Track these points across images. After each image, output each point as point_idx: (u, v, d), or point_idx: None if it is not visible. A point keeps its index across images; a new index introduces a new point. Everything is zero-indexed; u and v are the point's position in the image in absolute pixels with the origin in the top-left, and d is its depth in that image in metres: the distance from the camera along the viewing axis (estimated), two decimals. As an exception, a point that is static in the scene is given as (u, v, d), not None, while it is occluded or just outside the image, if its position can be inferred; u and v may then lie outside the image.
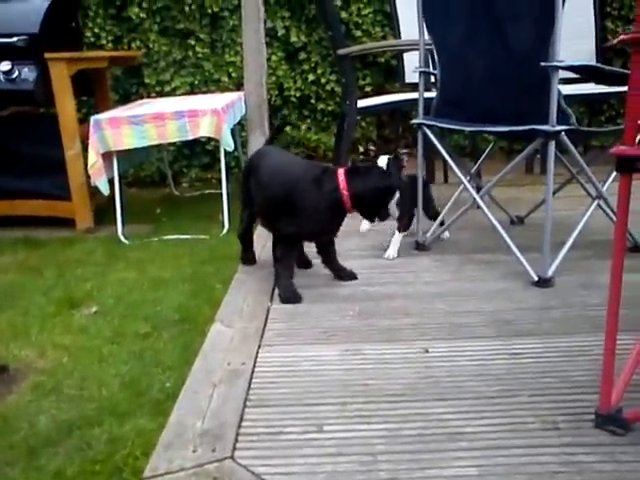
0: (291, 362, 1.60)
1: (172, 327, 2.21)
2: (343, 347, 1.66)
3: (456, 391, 1.44)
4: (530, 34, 2.05)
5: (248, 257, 2.42)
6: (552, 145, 2.00)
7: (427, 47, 2.52)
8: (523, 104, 2.11)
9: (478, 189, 2.60)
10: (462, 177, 2.45)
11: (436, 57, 2.51)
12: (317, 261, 2.28)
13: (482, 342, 1.69)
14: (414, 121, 2.52)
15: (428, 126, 2.46)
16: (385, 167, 2.09)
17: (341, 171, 1.97)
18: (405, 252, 2.48)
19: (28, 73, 3.25)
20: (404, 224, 2.46)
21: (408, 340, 1.70)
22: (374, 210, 2.09)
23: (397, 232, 2.46)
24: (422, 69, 2.53)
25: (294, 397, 1.43)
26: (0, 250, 3.17)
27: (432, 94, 2.61)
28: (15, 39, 3.22)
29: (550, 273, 2.09)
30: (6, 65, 3.20)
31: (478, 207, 2.56)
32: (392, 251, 2.44)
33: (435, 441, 1.25)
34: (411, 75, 4.10)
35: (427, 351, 1.63)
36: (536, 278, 2.10)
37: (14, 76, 3.23)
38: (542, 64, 1.94)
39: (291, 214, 1.96)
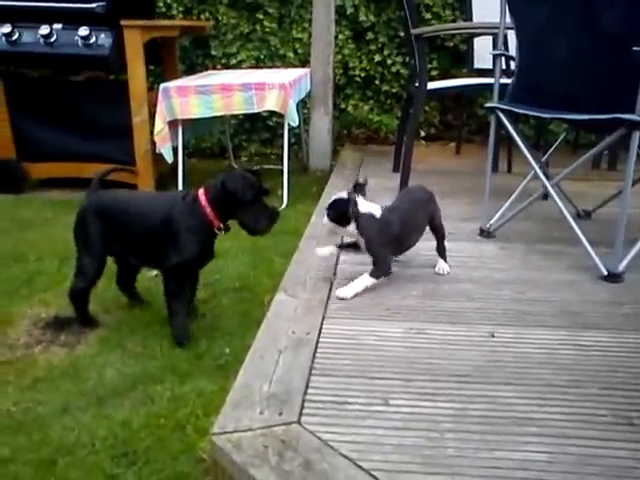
0: (355, 335, 1.60)
1: (231, 294, 2.24)
2: (407, 325, 1.65)
3: (523, 377, 1.41)
4: (622, 16, 1.95)
5: (88, 318, 1.98)
6: (637, 135, 1.91)
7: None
8: (608, 91, 2.03)
9: (546, 178, 2.52)
10: (535, 165, 2.37)
11: (515, 40, 2.43)
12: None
13: (548, 331, 1.65)
14: (488, 105, 2.46)
15: (502, 110, 2.39)
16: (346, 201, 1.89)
17: (201, 190, 1.82)
18: (470, 238, 2.44)
19: (104, 39, 3.31)
20: (377, 270, 1.91)
21: (472, 323, 1.68)
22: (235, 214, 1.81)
23: (366, 274, 1.91)
24: (500, 51, 2.46)
25: (359, 369, 1.43)
26: (68, 208, 3.22)
27: (505, 80, 2.53)
28: (94, 5, 3.28)
29: (621, 268, 2.02)
30: (84, 30, 3.27)
31: (545, 198, 2.50)
32: (347, 291, 1.86)
33: (502, 424, 1.23)
34: (480, 61, 4.01)
35: (493, 335, 1.60)
36: (605, 272, 2.03)
37: (91, 41, 3.29)
38: (634, 49, 1.85)
39: (170, 243, 1.80)
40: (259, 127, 4.55)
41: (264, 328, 1.61)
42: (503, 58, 2.59)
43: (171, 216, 1.79)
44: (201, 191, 1.81)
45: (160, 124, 3.20)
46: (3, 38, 3.32)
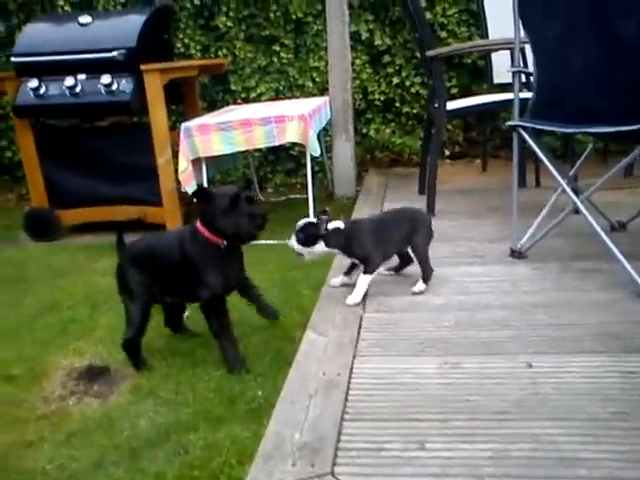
0: (388, 374, 1.56)
1: (262, 333, 2.21)
2: (441, 360, 1.61)
3: (566, 411, 1.35)
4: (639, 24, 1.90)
5: (142, 361, 1.99)
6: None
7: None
8: (631, 100, 1.97)
9: (575, 193, 2.46)
10: (561, 180, 2.32)
11: (532, 55, 2.40)
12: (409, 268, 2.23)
13: (589, 357, 1.59)
14: (509, 123, 2.41)
15: (524, 128, 2.34)
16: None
17: (199, 218, 1.90)
18: (500, 260, 2.38)
19: (125, 85, 3.38)
20: (368, 267, 2.13)
21: (509, 353, 1.62)
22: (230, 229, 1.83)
23: (362, 274, 2.13)
24: (517, 68, 2.42)
25: (393, 411, 1.39)
26: (101, 253, 3.31)
27: (525, 94, 2.49)
28: (115, 53, 3.36)
29: (662, 284, 1.94)
30: (106, 78, 3.35)
31: (577, 212, 2.43)
32: (355, 297, 2.09)
33: (547, 466, 1.17)
34: (499, 76, 3.97)
35: (530, 366, 1.54)
36: (645, 289, 1.95)
37: (113, 88, 3.37)
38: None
39: (194, 279, 1.86)
40: (283, 158, 4.58)
41: (294, 370, 1.58)
42: (522, 74, 2.56)
43: (184, 251, 1.87)
44: (199, 219, 1.88)
45: (184, 163, 3.24)
46: (31, 92, 3.43)
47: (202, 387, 1.83)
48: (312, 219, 2.17)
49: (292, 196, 4.26)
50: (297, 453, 1.23)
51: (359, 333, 1.79)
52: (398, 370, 1.57)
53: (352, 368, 1.57)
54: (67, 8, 4.46)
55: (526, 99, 2.43)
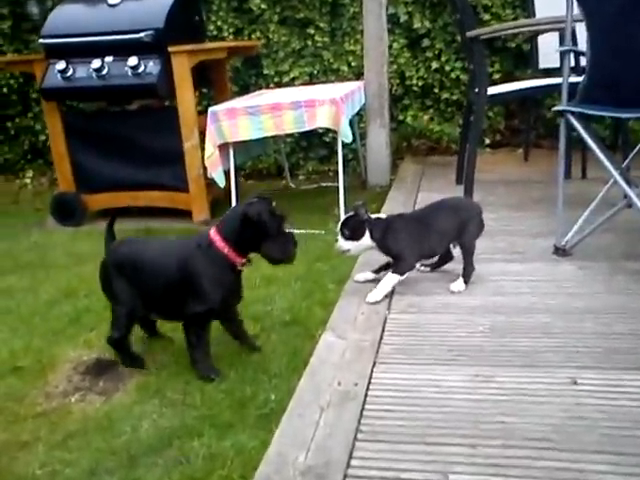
0: (411, 386, 1.39)
1: (281, 329, 2.08)
2: (472, 371, 1.43)
3: (618, 442, 1.16)
4: None
5: (136, 357, 1.88)
6: None
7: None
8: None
9: (629, 185, 2.23)
10: (613, 171, 2.09)
11: (586, 33, 2.17)
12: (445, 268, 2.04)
13: (645, 375, 1.39)
14: (557, 108, 2.20)
15: (572, 113, 2.12)
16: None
17: (213, 230, 1.71)
18: (543, 257, 2.18)
19: (152, 67, 3.27)
20: (399, 267, 1.97)
21: (551, 367, 1.43)
22: (257, 247, 1.70)
23: (390, 272, 1.98)
24: (567, 47, 2.19)
25: (413, 432, 1.23)
26: (123, 240, 3.24)
27: (575, 79, 2.27)
28: (142, 34, 3.25)
29: None
30: (133, 60, 3.25)
31: (629, 206, 2.20)
32: (376, 295, 1.94)
33: (594, 508, 1.00)
34: (545, 60, 3.72)
35: (575, 382, 1.35)
36: None
37: (140, 70, 3.26)
38: None
39: (193, 292, 1.70)
40: (315, 144, 4.41)
41: (306, 378, 1.43)
42: (572, 55, 2.33)
43: (187, 269, 1.70)
44: (213, 231, 1.70)
45: (210, 148, 3.12)
46: (58, 75, 3.35)
47: (212, 388, 1.70)
48: (351, 212, 2.03)
49: (323, 184, 4.10)
50: (299, 479, 1.08)
51: (382, 336, 1.62)
52: (422, 382, 1.40)
53: (371, 377, 1.41)
54: (100, -11, 4.36)
55: (575, 83, 2.21)
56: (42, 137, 4.74)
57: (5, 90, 4.71)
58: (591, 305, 1.76)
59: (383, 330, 1.66)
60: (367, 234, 1.97)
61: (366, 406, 1.30)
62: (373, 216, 2.00)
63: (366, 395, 1.34)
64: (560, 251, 2.20)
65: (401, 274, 1.95)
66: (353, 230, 1.98)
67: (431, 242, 2.02)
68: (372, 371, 1.44)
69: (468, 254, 2.01)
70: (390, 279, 1.95)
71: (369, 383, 1.38)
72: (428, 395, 1.34)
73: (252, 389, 1.69)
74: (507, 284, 1.95)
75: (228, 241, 1.67)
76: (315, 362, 1.51)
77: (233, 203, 3.21)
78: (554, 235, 2.25)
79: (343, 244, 2.01)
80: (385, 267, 2.08)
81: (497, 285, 1.90)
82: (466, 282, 1.98)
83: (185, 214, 3.45)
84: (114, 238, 1.90)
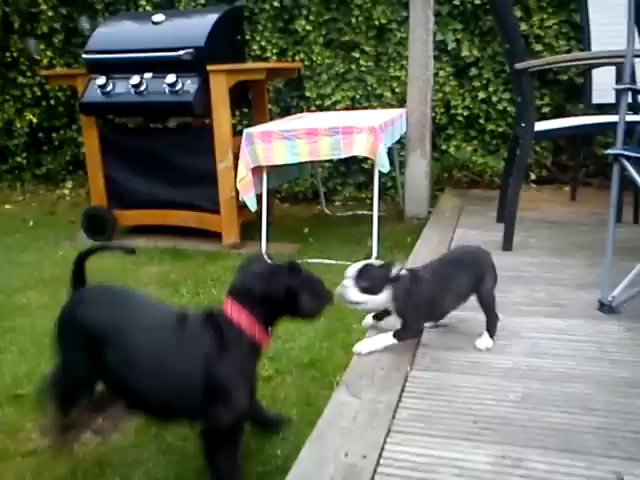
0: (427, 465, 1.23)
1: (298, 372, 1.97)
2: (498, 451, 1.26)
3: None
4: None
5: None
6: None
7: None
8: None
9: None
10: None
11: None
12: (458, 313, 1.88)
13: None
14: (610, 151, 2.02)
15: (628, 158, 1.95)
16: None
17: (229, 304, 1.30)
18: (586, 313, 1.98)
19: (190, 85, 3.24)
20: (403, 332, 1.77)
21: (591, 454, 1.24)
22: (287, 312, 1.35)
23: (390, 334, 1.77)
24: (626, 85, 2.02)
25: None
26: (150, 259, 3.19)
27: (632, 117, 2.09)
28: (181, 52, 3.23)
29: None
30: (171, 78, 3.22)
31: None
32: (364, 346, 1.78)
33: None
34: (599, 95, 3.52)
35: (622, 479, 1.16)
36: None
37: (177, 88, 3.23)
38: None
39: (217, 396, 1.26)
40: (354, 170, 4.31)
41: (311, 443, 1.29)
42: (629, 93, 2.16)
43: (204, 371, 1.25)
44: (230, 305, 1.30)
45: (243, 171, 3.05)
46: (98, 90, 3.36)
47: (215, 436, 1.58)
48: (372, 261, 1.80)
49: (359, 212, 3.99)
50: None
51: (400, 398, 1.47)
52: (441, 460, 1.23)
53: (383, 449, 1.26)
54: (149, 8, 4.40)
55: (632, 123, 2.03)
56: (84, 149, 4.78)
57: (53, 102, 4.79)
58: (638, 377, 1.56)
59: (402, 390, 1.50)
60: (390, 292, 1.71)
61: (373, 486, 1.16)
62: (394, 270, 1.70)
63: (374, 472, 1.18)
64: (606, 307, 2.00)
65: (399, 340, 1.76)
66: (372, 281, 1.69)
67: (444, 306, 1.81)
68: (385, 441, 1.28)
69: (490, 309, 1.82)
70: (386, 340, 1.76)
71: (380, 457, 1.23)
72: (446, 479, 1.18)
73: (258, 441, 1.57)
74: (544, 343, 1.77)
75: (255, 315, 1.29)
76: (322, 425, 1.36)
77: (263, 229, 3.12)
78: (600, 288, 2.06)
79: (355, 295, 1.70)
80: (384, 314, 1.88)
81: (533, 343, 1.73)
82: (492, 336, 1.80)
83: (215, 236, 3.38)
84: (84, 282, 1.44)
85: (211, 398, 1.26)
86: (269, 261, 1.48)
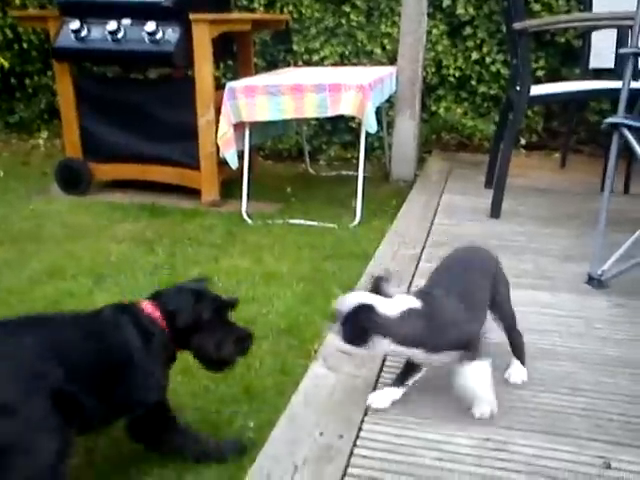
0: (407, 447, 1.16)
1: (274, 339, 1.89)
2: (481, 433, 1.20)
3: None
4: None
5: None
6: None
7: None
8: None
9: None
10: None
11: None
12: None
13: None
14: (610, 120, 1.93)
15: (630, 128, 1.85)
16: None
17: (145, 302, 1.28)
18: (574, 287, 1.93)
19: (171, 34, 3.06)
20: (477, 345, 1.27)
21: (577, 437, 1.19)
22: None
23: (472, 366, 1.24)
24: (634, 49, 1.91)
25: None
26: (126, 215, 3.08)
27: (634, 84, 2.00)
28: (162, -1, 3.04)
29: None
30: (151, 25, 3.04)
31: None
32: (482, 408, 1.28)
33: None
34: (597, 59, 3.41)
35: (609, 466, 1.11)
36: None
37: (157, 37, 3.05)
38: None
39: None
40: (340, 129, 4.17)
41: (283, 422, 1.21)
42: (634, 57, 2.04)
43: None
44: (147, 304, 1.27)
45: (224, 126, 2.92)
46: (72, 35, 3.16)
47: (187, 405, 1.51)
48: (364, 298, 1.23)
49: (344, 172, 3.87)
50: None
51: (380, 372, 1.40)
52: (422, 442, 1.17)
53: (360, 429, 1.19)
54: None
55: (635, 91, 1.94)
56: (59, 98, 4.58)
57: (26, 46, 4.53)
58: (628, 355, 1.51)
59: (382, 365, 1.43)
60: (385, 339, 1.20)
61: (348, 469, 1.09)
62: (399, 303, 1.24)
63: (351, 453, 1.11)
64: (595, 281, 1.95)
65: (482, 357, 1.27)
66: (355, 332, 1.21)
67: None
68: (363, 420, 1.22)
69: (512, 326, 1.44)
70: (482, 373, 1.26)
71: (357, 437, 1.16)
72: (426, 462, 1.11)
73: (230, 411, 1.50)
74: (530, 317, 1.70)
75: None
76: (296, 401, 1.29)
77: (244, 188, 3.01)
78: (589, 260, 2.00)
79: (339, 344, 1.24)
80: (409, 370, 1.35)
81: (519, 318, 1.65)
82: (523, 363, 1.43)
83: (194, 193, 3.26)
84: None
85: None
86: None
